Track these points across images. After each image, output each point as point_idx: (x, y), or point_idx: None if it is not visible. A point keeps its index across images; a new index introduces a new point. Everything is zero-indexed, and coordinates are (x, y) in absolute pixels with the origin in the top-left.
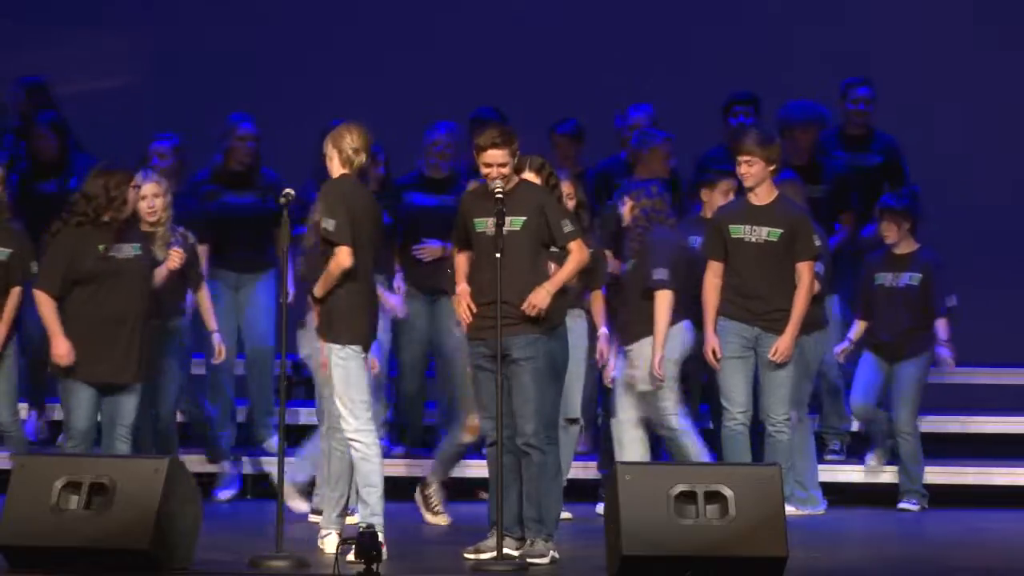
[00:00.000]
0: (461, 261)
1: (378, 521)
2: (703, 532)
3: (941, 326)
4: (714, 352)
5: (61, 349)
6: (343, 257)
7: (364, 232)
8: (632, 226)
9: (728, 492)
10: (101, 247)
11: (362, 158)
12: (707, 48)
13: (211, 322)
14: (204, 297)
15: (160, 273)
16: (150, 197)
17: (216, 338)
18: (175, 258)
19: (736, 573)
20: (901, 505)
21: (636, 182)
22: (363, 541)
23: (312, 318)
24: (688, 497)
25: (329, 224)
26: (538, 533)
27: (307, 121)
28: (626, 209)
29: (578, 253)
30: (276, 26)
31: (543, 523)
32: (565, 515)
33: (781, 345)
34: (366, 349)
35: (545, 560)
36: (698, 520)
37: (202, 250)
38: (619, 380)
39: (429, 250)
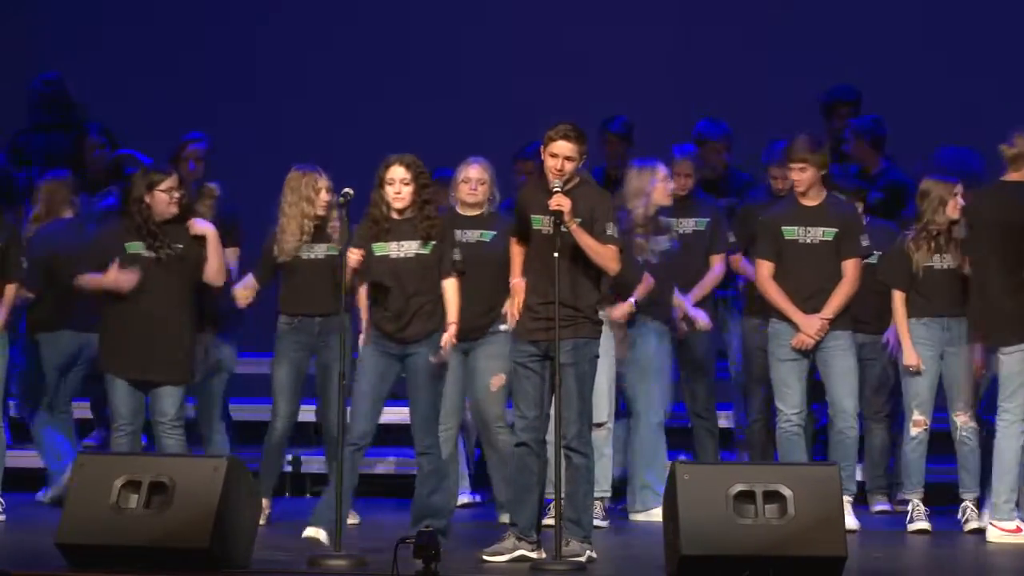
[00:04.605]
0: (517, 253)
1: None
2: (762, 532)
3: None
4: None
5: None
6: None
7: None
8: None
9: (787, 492)
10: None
11: None
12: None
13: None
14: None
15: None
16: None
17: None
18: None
19: (795, 573)
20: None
21: None
22: (421, 541)
23: None
24: (747, 497)
25: None
26: (575, 534)
27: None
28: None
29: (611, 260)
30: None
31: (580, 525)
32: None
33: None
34: None
35: (582, 558)
36: (757, 520)
37: None
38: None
39: None
